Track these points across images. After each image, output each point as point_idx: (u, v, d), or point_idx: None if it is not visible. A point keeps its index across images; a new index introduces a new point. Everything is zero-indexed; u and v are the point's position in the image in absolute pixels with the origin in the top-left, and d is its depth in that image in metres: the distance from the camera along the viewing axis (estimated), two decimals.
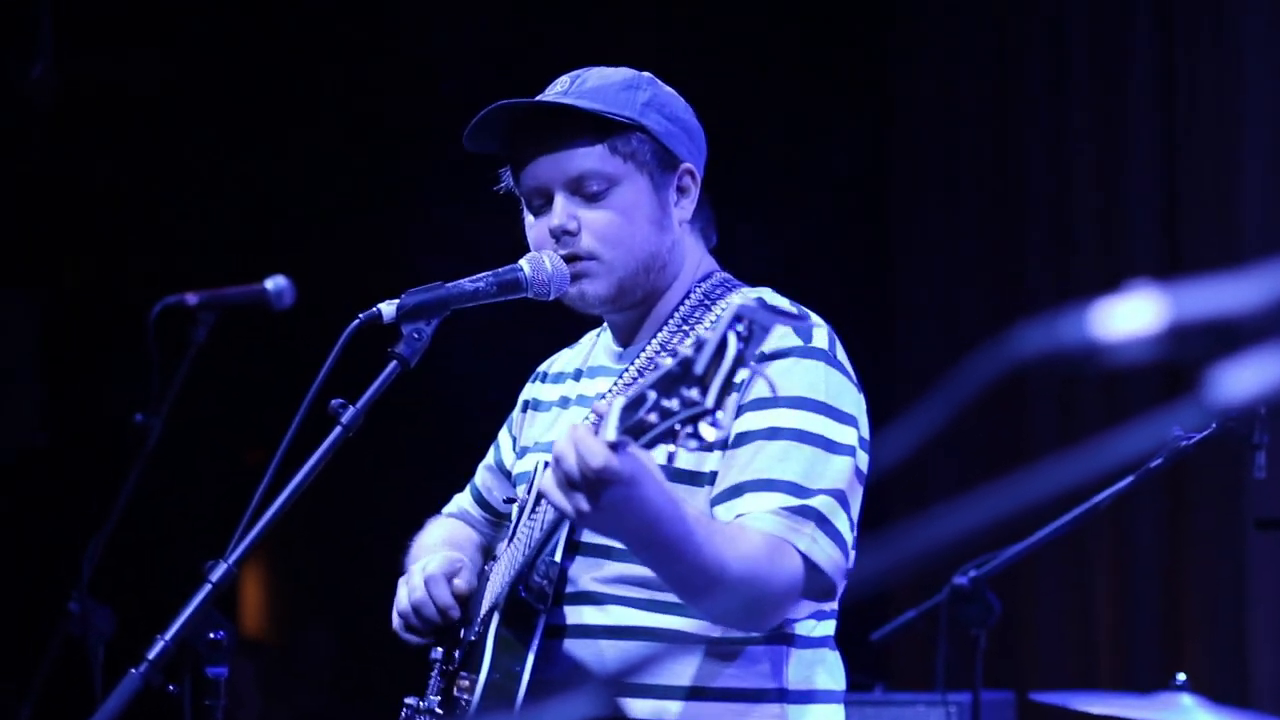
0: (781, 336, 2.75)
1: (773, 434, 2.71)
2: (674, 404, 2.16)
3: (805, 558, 2.64)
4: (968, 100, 7.32)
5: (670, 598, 2.73)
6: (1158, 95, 6.58)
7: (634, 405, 2.22)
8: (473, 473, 3.33)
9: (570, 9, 7.36)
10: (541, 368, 3.23)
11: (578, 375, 3.09)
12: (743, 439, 2.73)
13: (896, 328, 7.53)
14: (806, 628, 2.84)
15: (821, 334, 2.80)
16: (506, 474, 3.21)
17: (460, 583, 2.93)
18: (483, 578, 3.01)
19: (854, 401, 2.81)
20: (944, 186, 7.40)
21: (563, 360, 3.19)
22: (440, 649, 2.99)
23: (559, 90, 2.92)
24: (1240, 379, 1.03)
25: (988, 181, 7.24)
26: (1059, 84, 6.94)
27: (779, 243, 6.92)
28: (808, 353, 2.76)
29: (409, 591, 2.92)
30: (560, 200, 2.89)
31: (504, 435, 3.27)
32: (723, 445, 2.74)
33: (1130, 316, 1.04)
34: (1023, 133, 7.09)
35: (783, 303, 2.81)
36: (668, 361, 2.18)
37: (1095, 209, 6.76)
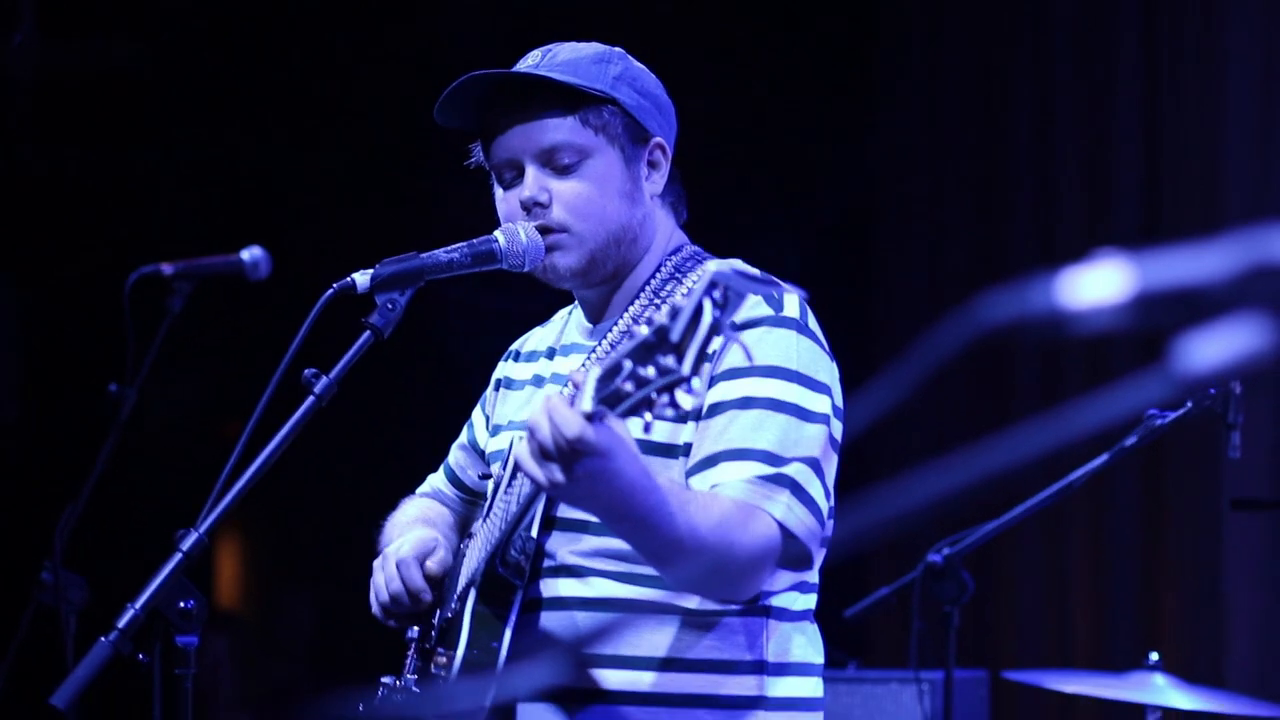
0: (753, 306, 2.75)
1: (746, 403, 2.71)
2: (650, 372, 2.15)
3: (781, 525, 2.65)
4: (952, 75, 7.32)
5: (649, 570, 2.72)
6: (1141, 73, 6.57)
7: (610, 375, 2.20)
8: (447, 451, 3.32)
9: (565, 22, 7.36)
10: (514, 346, 3.23)
11: (551, 353, 3.09)
12: (716, 409, 2.73)
13: (875, 299, 7.53)
14: (787, 600, 2.84)
15: (793, 303, 2.80)
16: (480, 453, 3.21)
17: (433, 564, 2.92)
18: (459, 555, 3.00)
19: (827, 369, 2.81)
20: (928, 156, 7.39)
21: (535, 338, 3.19)
22: (417, 628, 2.99)
23: (530, 64, 2.93)
24: (1208, 349, 1.03)
25: (971, 157, 7.23)
26: (1043, 63, 6.93)
27: (758, 214, 6.93)
28: (779, 321, 2.76)
29: (384, 577, 2.92)
30: (531, 172, 2.89)
31: (477, 414, 3.27)
32: (696, 416, 2.75)
33: (1098, 285, 1.04)
34: (1006, 111, 7.09)
35: (754, 273, 2.79)
36: (643, 330, 2.16)
37: (1079, 184, 6.76)
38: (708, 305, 2.11)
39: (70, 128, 7.35)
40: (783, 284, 2.75)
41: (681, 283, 2.88)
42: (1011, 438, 1.11)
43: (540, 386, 3.04)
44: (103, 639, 2.61)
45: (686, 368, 2.12)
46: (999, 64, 7.13)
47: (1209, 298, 1.03)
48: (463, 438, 3.29)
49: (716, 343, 2.11)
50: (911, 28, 7.49)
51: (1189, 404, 3.91)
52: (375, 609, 2.95)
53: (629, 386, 2.18)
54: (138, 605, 2.62)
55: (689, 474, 2.73)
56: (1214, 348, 1.03)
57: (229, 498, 2.69)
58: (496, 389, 3.20)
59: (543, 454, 2.34)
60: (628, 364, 2.18)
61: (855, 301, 7.35)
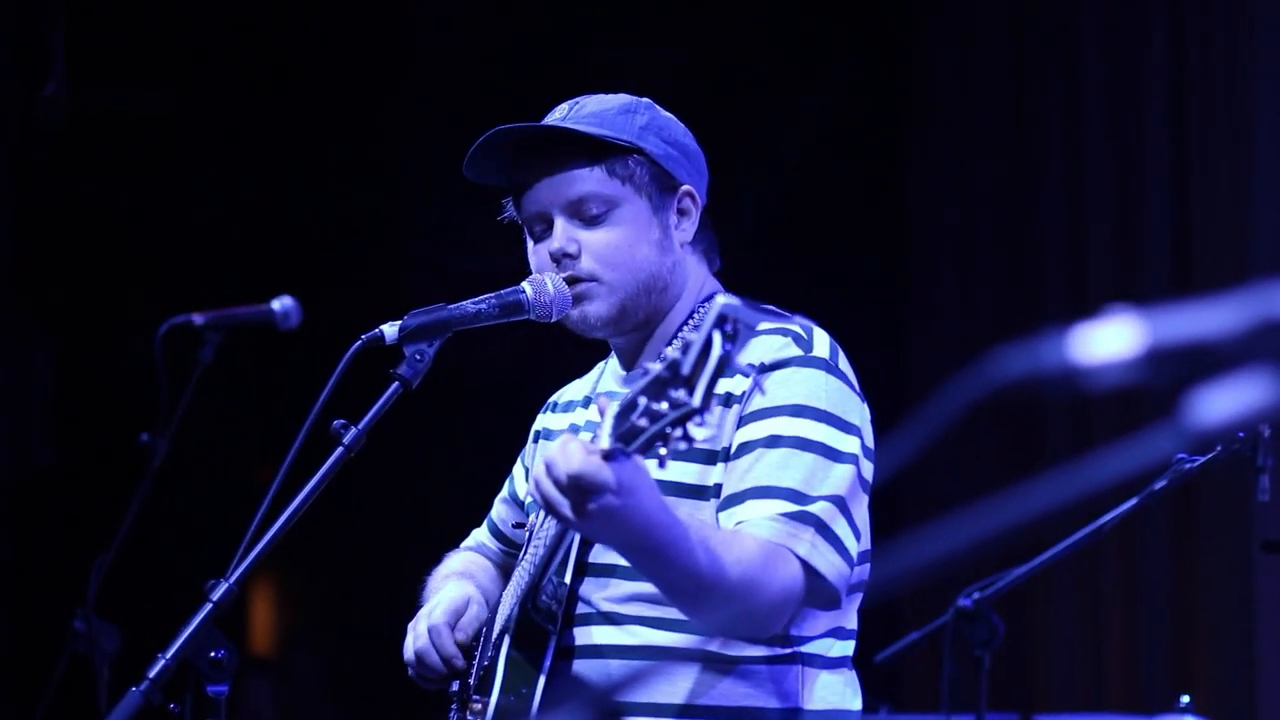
0: (782, 347, 2.76)
1: (773, 442, 2.72)
2: (663, 406, 2.19)
3: (805, 564, 2.65)
4: (983, 131, 7.34)
5: (682, 615, 2.73)
6: (1170, 129, 6.57)
7: (626, 411, 2.25)
8: (480, 494, 3.34)
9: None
10: (552, 398, 3.24)
11: (586, 402, 3.10)
12: (744, 448, 2.73)
13: (908, 351, 7.54)
14: (821, 647, 2.84)
15: (823, 343, 2.81)
16: (521, 504, 3.22)
17: (465, 623, 2.93)
18: (497, 606, 3.01)
19: (857, 410, 2.81)
20: (960, 211, 7.40)
21: (572, 389, 3.20)
22: (457, 682, 3.00)
23: (557, 117, 2.94)
24: (1218, 404, 1.04)
25: (1002, 211, 7.24)
26: (1073, 118, 6.94)
27: (797, 259, 6.95)
28: (808, 361, 2.77)
29: (414, 639, 2.94)
30: (560, 224, 2.90)
31: (518, 467, 3.28)
32: (725, 457, 2.76)
33: (1108, 341, 1.05)
34: (1037, 159, 7.10)
35: (766, 307, 2.80)
36: (656, 366, 2.20)
37: (1108, 232, 6.76)
38: (717, 338, 2.14)
39: (102, 175, 7.39)
40: (796, 316, 2.77)
41: None
42: (1042, 485, 1.12)
43: (576, 435, 3.05)
44: (134, 689, 2.63)
45: (697, 399, 2.15)
46: (1030, 118, 7.14)
47: (1219, 353, 1.04)
48: (504, 491, 3.30)
49: (730, 384, 2.12)
50: (941, 82, 7.50)
51: (1218, 448, 3.90)
52: (409, 670, 2.97)
53: (644, 422, 2.21)
54: (168, 655, 2.63)
55: (717, 513, 2.74)
56: (1225, 402, 1.04)
57: (259, 547, 2.71)
58: (535, 441, 3.21)
59: (560, 492, 2.37)
60: (643, 400, 2.21)
61: (888, 351, 7.35)
